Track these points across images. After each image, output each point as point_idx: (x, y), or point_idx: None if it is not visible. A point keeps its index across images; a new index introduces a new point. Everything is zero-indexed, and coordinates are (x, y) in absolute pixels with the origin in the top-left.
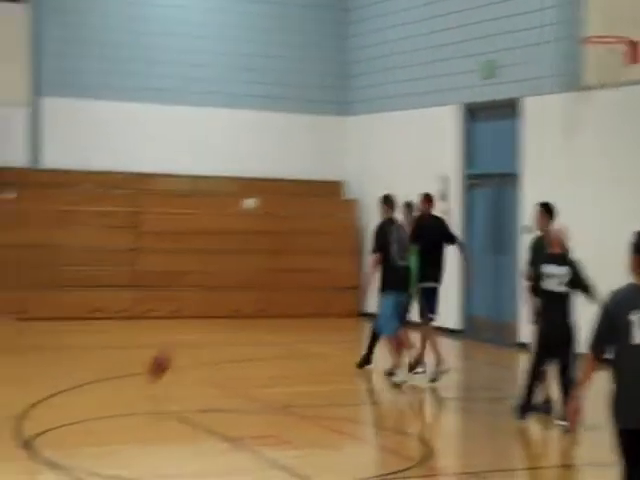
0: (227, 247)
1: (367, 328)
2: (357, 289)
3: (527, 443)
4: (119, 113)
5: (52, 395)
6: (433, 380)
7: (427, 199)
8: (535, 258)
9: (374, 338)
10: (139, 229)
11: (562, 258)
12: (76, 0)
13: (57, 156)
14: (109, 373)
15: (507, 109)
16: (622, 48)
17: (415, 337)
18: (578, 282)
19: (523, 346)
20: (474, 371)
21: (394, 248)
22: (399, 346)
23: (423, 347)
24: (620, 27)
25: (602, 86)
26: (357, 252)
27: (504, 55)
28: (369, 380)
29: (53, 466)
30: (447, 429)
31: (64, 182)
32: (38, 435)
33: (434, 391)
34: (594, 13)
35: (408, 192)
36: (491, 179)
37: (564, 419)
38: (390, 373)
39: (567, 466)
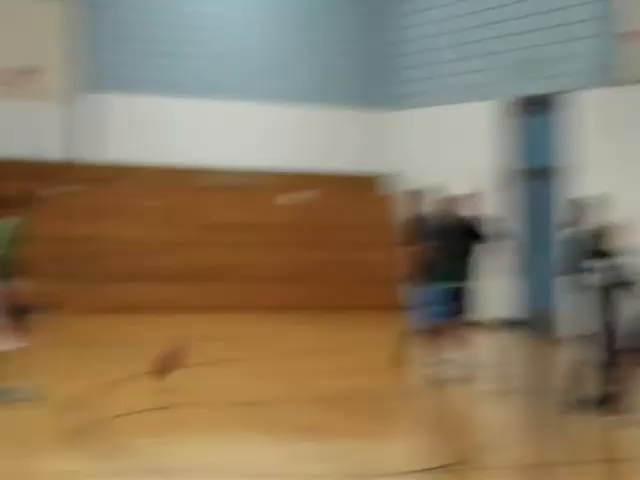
0: (270, 240)
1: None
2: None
3: (576, 437)
4: (165, 109)
5: (103, 385)
6: (464, 377)
7: (450, 199)
8: (575, 252)
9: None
10: (182, 222)
11: (608, 252)
12: None
13: (103, 151)
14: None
15: (545, 104)
16: None
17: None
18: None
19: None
20: (516, 364)
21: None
22: (442, 338)
23: (456, 344)
24: None
25: (637, 81)
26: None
27: (541, 51)
28: (414, 374)
29: (101, 457)
30: (494, 422)
31: (109, 176)
32: (87, 426)
33: (480, 384)
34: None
35: (450, 186)
36: (533, 174)
37: (618, 413)
38: (434, 366)
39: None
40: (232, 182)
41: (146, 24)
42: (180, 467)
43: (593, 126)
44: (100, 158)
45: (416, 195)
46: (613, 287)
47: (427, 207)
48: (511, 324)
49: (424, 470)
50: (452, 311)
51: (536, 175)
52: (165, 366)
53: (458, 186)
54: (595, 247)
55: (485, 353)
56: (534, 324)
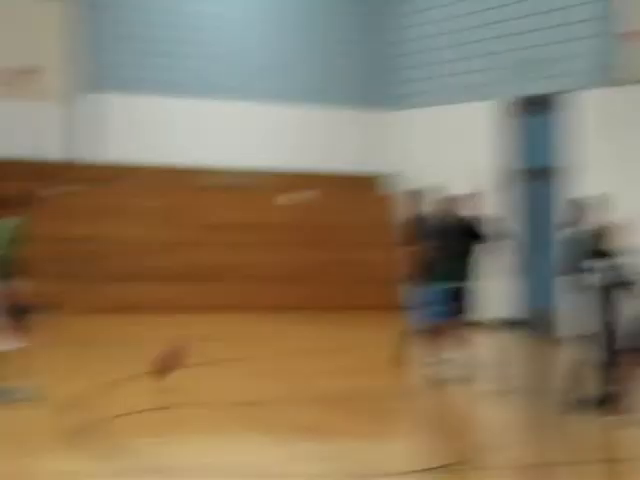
0: (270, 240)
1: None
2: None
3: (576, 437)
4: (165, 109)
5: (103, 385)
6: (464, 377)
7: (451, 200)
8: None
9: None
10: (183, 222)
11: (608, 252)
12: None
13: (103, 151)
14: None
15: (545, 104)
16: None
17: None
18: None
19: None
20: (516, 364)
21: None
22: (442, 338)
23: (456, 344)
24: None
25: (637, 81)
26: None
27: (541, 51)
28: (414, 374)
29: (101, 457)
30: (494, 422)
31: (109, 176)
32: (87, 426)
33: (480, 384)
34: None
35: (450, 186)
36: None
37: (618, 413)
38: (434, 366)
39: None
40: (232, 182)
41: (146, 24)
42: (180, 467)
43: (593, 126)
44: (100, 158)
45: (416, 195)
46: (613, 287)
47: (427, 207)
48: (511, 324)
49: (424, 470)
50: (452, 311)
51: (536, 175)
52: (165, 366)
53: (458, 186)
54: (595, 247)
55: (485, 353)
56: (534, 324)
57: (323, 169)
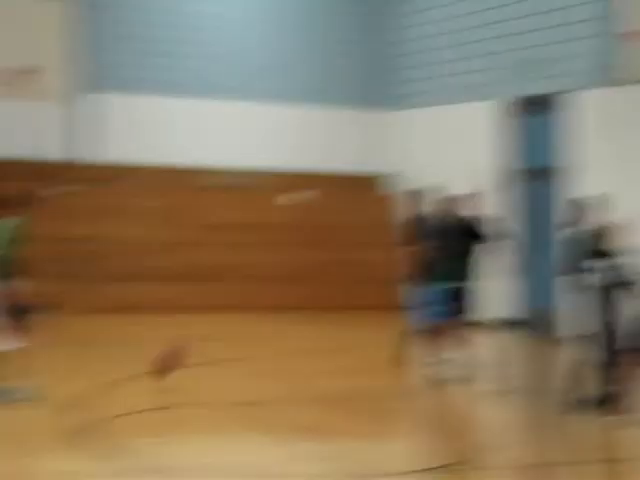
0: (270, 240)
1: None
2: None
3: (576, 437)
4: (165, 109)
5: (103, 385)
6: (464, 377)
7: (451, 200)
8: (575, 252)
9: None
10: (183, 222)
11: (608, 252)
12: None
13: (103, 151)
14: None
15: (545, 104)
16: None
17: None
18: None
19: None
20: (516, 364)
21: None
22: (442, 338)
23: (456, 344)
24: None
25: (637, 81)
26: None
27: (541, 51)
28: (414, 374)
29: (101, 457)
30: (494, 422)
31: (109, 176)
32: (87, 426)
33: (480, 384)
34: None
35: (450, 186)
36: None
37: (618, 413)
38: (434, 366)
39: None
40: (232, 182)
41: (146, 24)
42: (180, 467)
43: (593, 126)
44: (100, 158)
45: (416, 195)
46: (613, 287)
47: (427, 207)
48: (511, 324)
49: (424, 470)
50: (452, 311)
51: (536, 175)
52: (165, 366)
53: (458, 186)
54: (595, 247)
55: (485, 353)
56: (534, 324)
57: (323, 169)
